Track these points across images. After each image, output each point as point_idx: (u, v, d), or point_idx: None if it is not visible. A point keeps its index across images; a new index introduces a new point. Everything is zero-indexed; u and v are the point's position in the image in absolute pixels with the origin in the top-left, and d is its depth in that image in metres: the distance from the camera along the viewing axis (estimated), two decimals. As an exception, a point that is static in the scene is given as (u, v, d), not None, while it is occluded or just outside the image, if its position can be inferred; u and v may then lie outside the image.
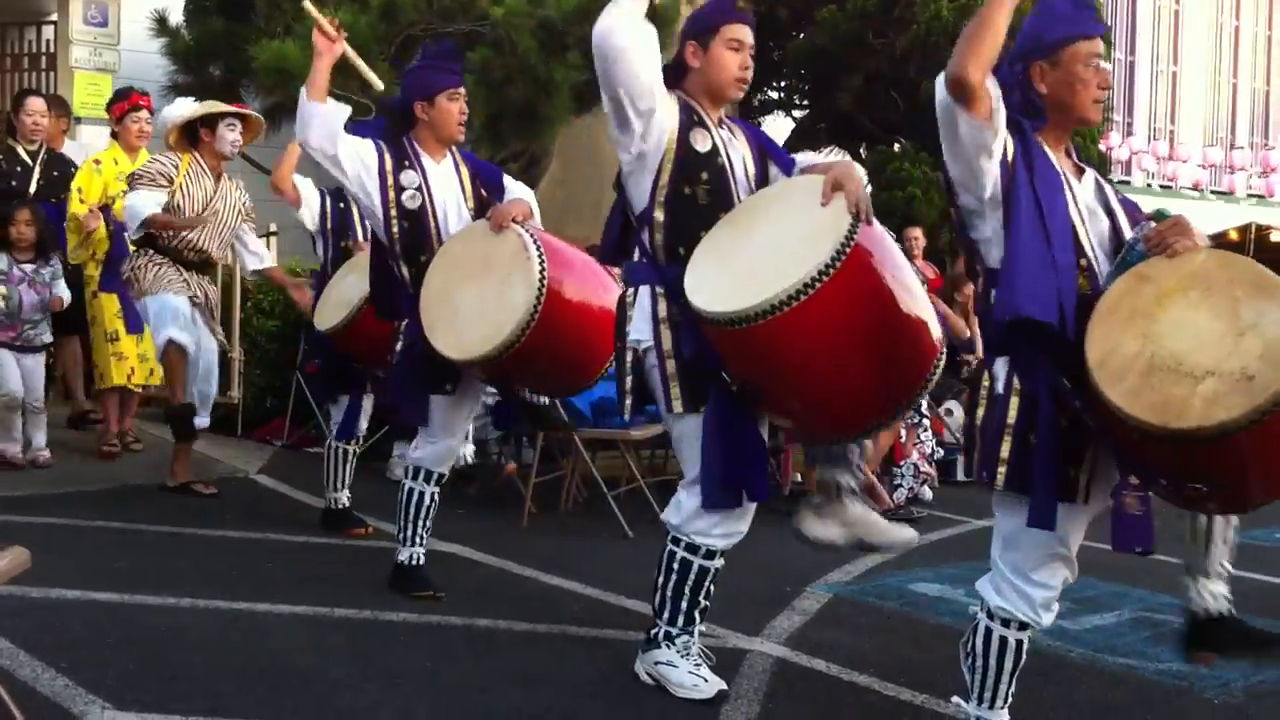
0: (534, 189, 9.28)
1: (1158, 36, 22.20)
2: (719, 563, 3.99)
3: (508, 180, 5.11)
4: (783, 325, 3.32)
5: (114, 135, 7.39)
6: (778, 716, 3.93)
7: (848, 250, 3.34)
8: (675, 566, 3.96)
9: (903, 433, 7.70)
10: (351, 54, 4.78)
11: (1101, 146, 12.01)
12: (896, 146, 11.22)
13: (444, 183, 4.87)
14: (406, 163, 4.81)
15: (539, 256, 4.39)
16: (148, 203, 6.32)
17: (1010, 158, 3.23)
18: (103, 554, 5.32)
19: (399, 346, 4.84)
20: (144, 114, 7.28)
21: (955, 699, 3.72)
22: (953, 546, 6.57)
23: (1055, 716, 4.09)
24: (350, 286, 5.63)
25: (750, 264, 3.47)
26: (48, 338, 7.10)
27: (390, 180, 4.74)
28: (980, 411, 3.33)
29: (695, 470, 3.86)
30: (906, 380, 3.59)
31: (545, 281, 4.34)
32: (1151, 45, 22.12)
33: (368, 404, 6.10)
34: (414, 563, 5.00)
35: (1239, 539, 3.66)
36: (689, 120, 3.90)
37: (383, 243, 4.86)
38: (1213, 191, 22.37)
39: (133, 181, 6.45)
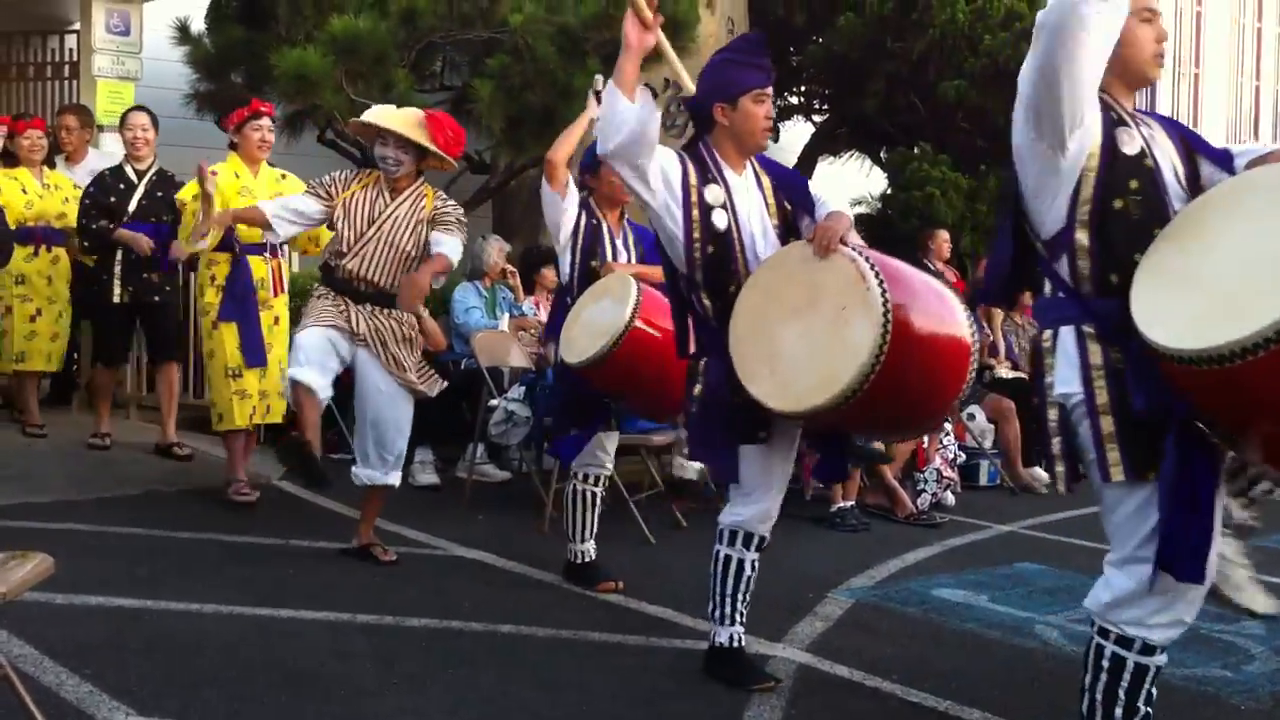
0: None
1: (1179, 38, 22.10)
2: (1161, 660, 3.20)
3: (815, 190, 4.32)
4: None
5: (232, 146, 6.65)
6: (800, 722, 3.92)
7: None
8: (1106, 665, 3.20)
9: (925, 438, 7.68)
10: (665, 45, 4.03)
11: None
12: (916, 149, 11.19)
13: (747, 198, 4.13)
14: (710, 175, 4.09)
15: (879, 285, 3.63)
16: (279, 207, 5.61)
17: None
18: (126, 560, 5.33)
19: (697, 390, 4.14)
20: (265, 121, 6.64)
21: None
22: (975, 552, 6.54)
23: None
24: (605, 313, 4.94)
25: (1219, 286, 2.83)
26: None
27: (694, 197, 4.03)
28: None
29: (1131, 545, 3.13)
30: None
31: (890, 315, 3.58)
32: (1173, 47, 22.02)
33: (611, 442, 5.49)
34: (735, 644, 4.24)
35: (1259, 543, 3.63)
36: (1111, 118, 3.18)
37: (679, 270, 4.15)
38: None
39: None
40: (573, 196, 5.35)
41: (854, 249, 3.77)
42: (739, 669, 4.22)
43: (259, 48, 8.17)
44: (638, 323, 4.81)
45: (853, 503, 7.19)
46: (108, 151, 8.76)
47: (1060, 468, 3.25)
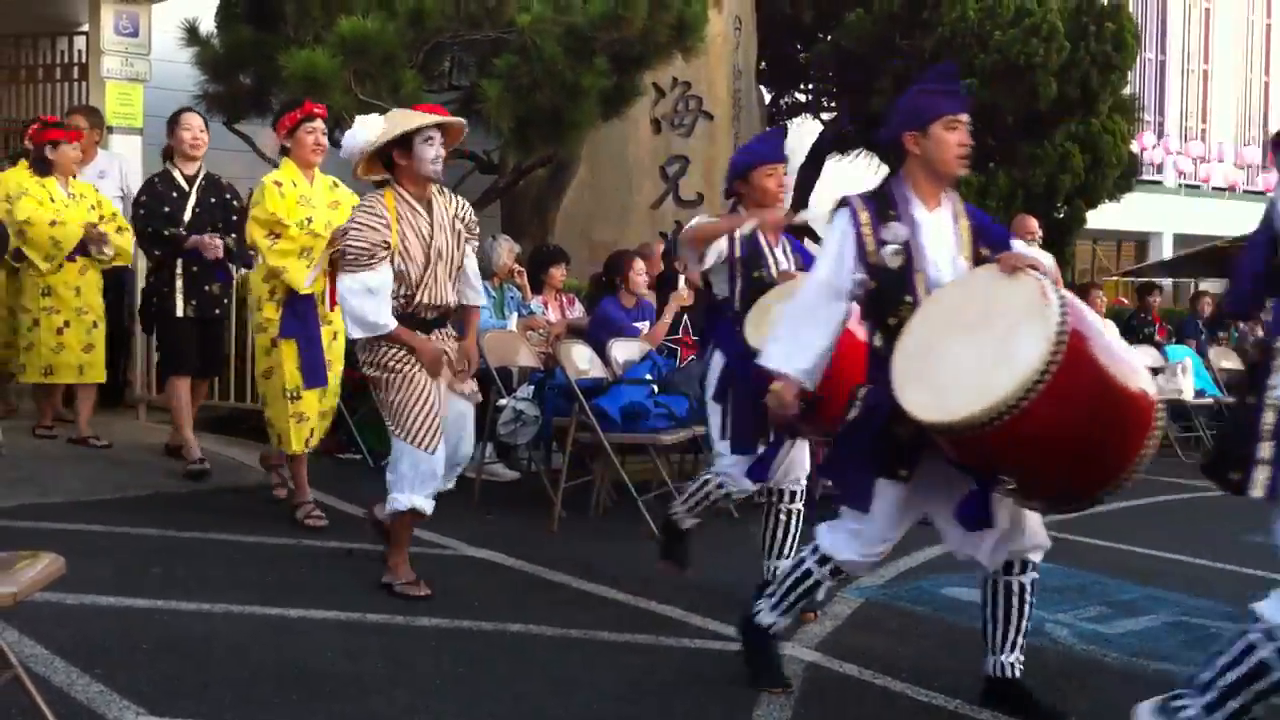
0: (562, 194, 9.37)
1: (1188, 35, 22.06)
2: None
3: (1019, 244, 4.21)
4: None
5: (285, 152, 6.16)
6: (810, 721, 3.92)
7: None
8: (1250, 664, 3.27)
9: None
10: None
11: (1134, 147, 11.93)
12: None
13: (937, 236, 3.96)
14: (892, 212, 3.94)
15: (1060, 305, 3.48)
16: (373, 303, 4.91)
17: None
18: (136, 560, 5.34)
19: (852, 414, 3.98)
20: (319, 123, 6.12)
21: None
22: (985, 550, 6.52)
23: (1090, 721, 4.06)
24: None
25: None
26: None
27: (869, 244, 3.92)
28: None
29: None
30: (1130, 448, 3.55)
31: (1065, 334, 3.42)
32: (1182, 44, 21.99)
33: (803, 454, 5.16)
34: (773, 631, 4.26)
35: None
36: None
37: None
38: (1245, 191, 22.21)
39: (342, 263, 5.02)
40: (714, 252, 5.10)
41: (1044, 276, 3.65)
42: (764, 657, 4.24)
43: (268, 49, 8.19)
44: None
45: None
46: (116, 153, 8.79)
47: (1264, 473, 3.23)
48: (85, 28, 10.11)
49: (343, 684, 3.98)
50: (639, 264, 7.60)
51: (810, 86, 12.65)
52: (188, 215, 6.92)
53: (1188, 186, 22.43)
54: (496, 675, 4.17)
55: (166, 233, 6.87)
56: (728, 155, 9.82)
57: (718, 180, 9.77)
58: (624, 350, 7.04)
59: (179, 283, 6.94)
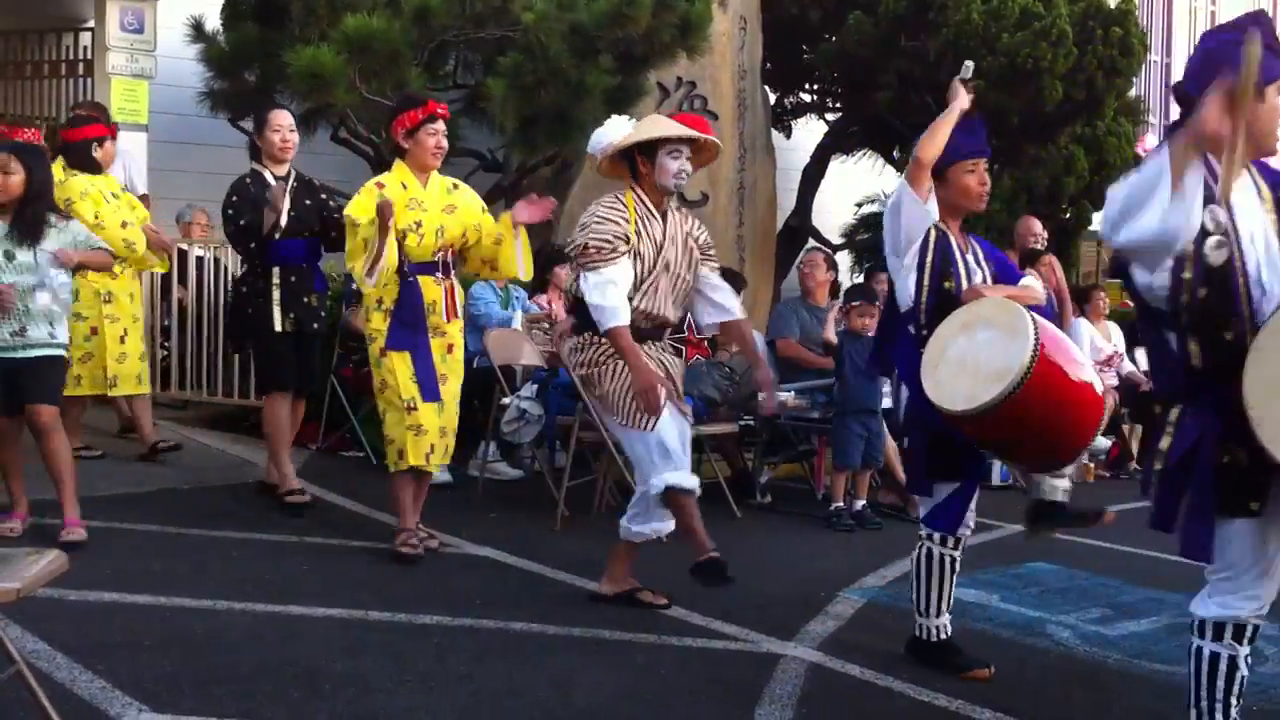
0: (566, 193, 9.35)
1: (1194, 37, 22.03)
2: None
3: None
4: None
5: (400, 153, 5.68)
6: (811, 722, 3.92)
7: None
8: None
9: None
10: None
11: (1139, 149, 11.91)
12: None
13: (1250, 218, 3.32)
14: (1209, 193, 3.22)
15: None
16: (615, 293, 4.74)
17: None
18: (139, 557, 5.35)
19: (1164, 444, 3.43)
20: (441, 124, 5.67)
21: None
22: (988, 552, 6.52)
23: (1092, 723, 4.06)
24: (990, 349, 4.01)
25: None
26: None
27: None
28: None
29: None
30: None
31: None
32: (1188, 46, 21.96)
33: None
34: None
35: None
36: None
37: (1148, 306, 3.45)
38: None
39: (582, 259, 4.82)
40: (933, 205, 4.48)
41: None
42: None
43: (273, 46, 8.19)
44: (1042, 359, 3.90)
45: (864, 502, 7.19)
46: (122, 149, 8.79)
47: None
48: (91, 24, 10.13)
49: (344, 681, 3.98)
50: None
51: (815, 87, 12.64)
52: (282, 219, 6.34)
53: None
54: (498, 673, 4.17)
55: (242, 222, 6.29)
56: (732, 155, 9.85)
57: (722, 179, 9.78)
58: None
59: (276, 294, 6.36)
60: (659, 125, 4.97)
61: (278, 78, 8.18)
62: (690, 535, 4.88)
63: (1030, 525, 4.74)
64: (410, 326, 5.59)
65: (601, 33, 7.94)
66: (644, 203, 4.90)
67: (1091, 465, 8.77)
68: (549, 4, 7.95)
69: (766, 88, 11.21)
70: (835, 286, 8.82)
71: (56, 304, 5.42)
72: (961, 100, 4.58)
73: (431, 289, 5.62)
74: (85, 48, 10.47)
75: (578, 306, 4.96)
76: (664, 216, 4.93)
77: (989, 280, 4.54)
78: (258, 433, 8.13)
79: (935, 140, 4.45)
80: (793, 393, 7.48)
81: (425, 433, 5.62)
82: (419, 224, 5.54)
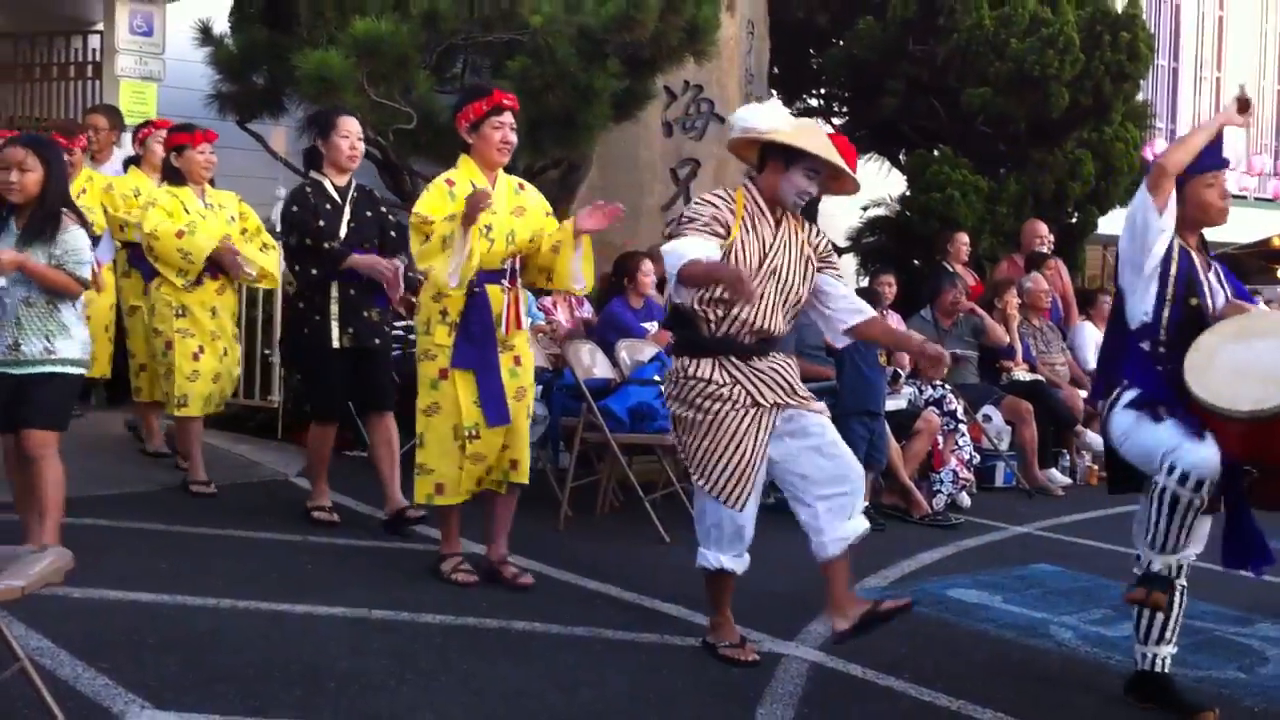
0: (572, 196, 9.37)
1: (1201, 42, 22.01)
2: None
3: None
4: None
5: (465, 149, 5.28)
6: (812, 721, 3.93)
7: None
8: None
9: (940, 439, 7.68)
10: None
11: (1146, 153, 11.92)
12: (935, 152, 11.18)
13: None
14: None
15: None
16: (693, 247, 4.29)
17: None
18: (143, 555, 5.37)
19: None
20: (509, 117, 5.24)
21: None
22: (990, 553, 6.53)
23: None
24: (1269, 354, 3.98)
25: None
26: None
27: None
28: None
29: None
30: None
31: None
32: (1195, 51, 21.93)
33: None
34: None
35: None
36: None
37: None
38: (1256, 198, 22.17)
39: (677, 227, 4.50)
40: (1170, 214, 4.23)
41: None
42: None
43: (281, 49, 8.21)
44: None
45: (866, 503, 7.18)
46: (126, 152, 8.83)
47: None
48: (100, 26, 10.18)
49: (347, 680, 3.99)
50: (647, 265, 7.61)
51: (822, 91, 12.66)
52: (343, 230, 6.00)
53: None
54: (501, 672, 4.18)
55: (326, 245, 5.96)
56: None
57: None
58: (632, 351, 7.07)
59: (334, 308, 6.00)
60: (813, 139, 4.50)
61: (286, 81, 8.21)
62: (717, 620, 4.62)
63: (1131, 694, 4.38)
64: (479, 342, 5.10)
65: (609, 36, 7.95)
66: (755, 201, 4.49)
67: (1094, 467, 8.77)
68: (557, 8, 7.97)
69: (774, 92, 11.23)
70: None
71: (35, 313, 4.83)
72: (1233, 116, 4.38)
73: (498, 299, 5.13)
74: (94, 50, 10.50)
75: (675, 317, 4.56)
76: (777, 221, 4.50)
77: (1229, 298, 4.38)
78: (263, 433, 8.19)
79: (1188, 148, 4.23)
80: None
81: (483, 460, 5.19)
82: (489, 228, 5.05)
